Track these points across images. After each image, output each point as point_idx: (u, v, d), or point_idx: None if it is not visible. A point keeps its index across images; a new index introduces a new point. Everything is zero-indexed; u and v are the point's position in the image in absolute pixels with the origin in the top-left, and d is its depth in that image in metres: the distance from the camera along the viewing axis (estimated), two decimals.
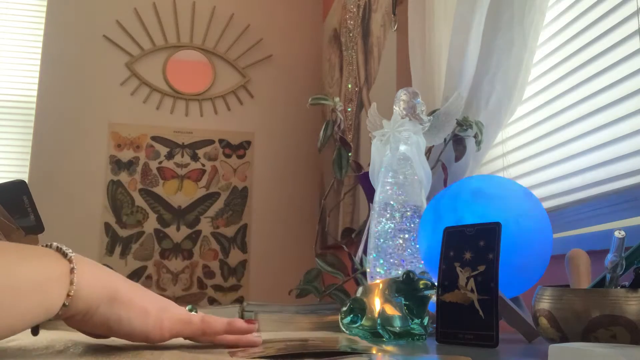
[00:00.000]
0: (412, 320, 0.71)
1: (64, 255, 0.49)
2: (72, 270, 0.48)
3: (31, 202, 0.73)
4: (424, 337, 0.72)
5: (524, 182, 1.19)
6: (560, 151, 1.11)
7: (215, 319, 0.57)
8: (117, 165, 2.83)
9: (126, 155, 2.84)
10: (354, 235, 1.60)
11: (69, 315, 0.49)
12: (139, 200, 2.82)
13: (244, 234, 2.89)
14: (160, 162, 2.87)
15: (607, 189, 0.97)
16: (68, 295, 0.47)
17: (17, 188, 0.73)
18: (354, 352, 0.55)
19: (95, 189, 2.79)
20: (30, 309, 0.45)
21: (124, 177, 2.83)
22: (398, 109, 0.99)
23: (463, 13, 1.23)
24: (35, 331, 0.53)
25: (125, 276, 0.57)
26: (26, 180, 2.83)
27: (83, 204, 2.76)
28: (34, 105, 2.79)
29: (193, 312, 0.58)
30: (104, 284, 0.51)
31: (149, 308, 0.53)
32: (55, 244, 0.50)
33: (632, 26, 0.94)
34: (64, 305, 0.47)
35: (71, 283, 0.47)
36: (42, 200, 2.78)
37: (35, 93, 2.80)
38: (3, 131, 2.78)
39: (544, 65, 1.19)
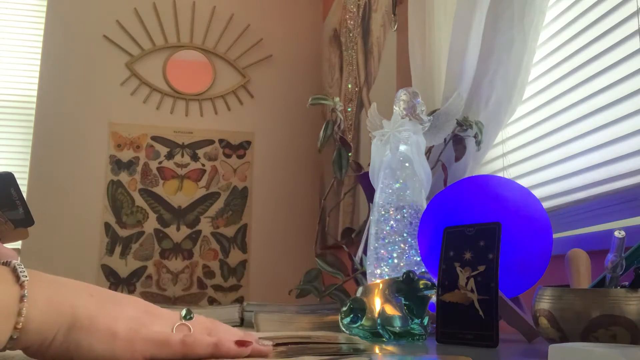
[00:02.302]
0: (412, 320, 0.71)
1: (17, 278, 0.43)
2: (22, 299, 0.42)
3: (19, 194, 0.70)
4: (424, 337, 0.72)
5: (524, 182, 1.18)
6: (560, 151, 1.11)
7: (201, 340, 0.48)
8: (117, 165, 2.83)
9: (126, 155, 2.84)
10: (354, 235, 1.60)
11: (21, 348, 0.44)
12: (139, 200, 2.82)
13: (244, 234, 2.89)
14: (160, 162, 2.87)
15: (607, 189, 0.97)
16: (15, 327, 0.42)
17: (4, 180, 0.69)
18: (354, 352, 0.55)
19: (95, 189, 2.79)
20: None
21: (124, 177, 2.83)
22: (398, 109, 0.99)
23: (463, 13, 1.23)
24: None
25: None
26: (26, 180, 2.82)
27: (83, 204, 2.76)
28: (34, 105, 2.79)
29: (187, 318, 0.50)
30: (60, 309, 0.44)
31: (118, 329, 0.46)
32: (14, 262, 0.45)
33: (632, 26, 0.94)
34: (11, 338, 0.42)
35: (19, 314, 0.42)
36: (42, 200, 2.79)
37: (35, 93, 2.80)
38: (3, 131, 2.78)
39: (544, 65, 1.19)
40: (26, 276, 0.44)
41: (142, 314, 0.49)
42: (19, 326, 0.42)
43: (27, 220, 0.71)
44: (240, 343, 0.49)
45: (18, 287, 0.43)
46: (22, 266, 0.44)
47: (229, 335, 0.51)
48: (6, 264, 0.45)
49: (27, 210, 0.71)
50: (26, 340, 0.43)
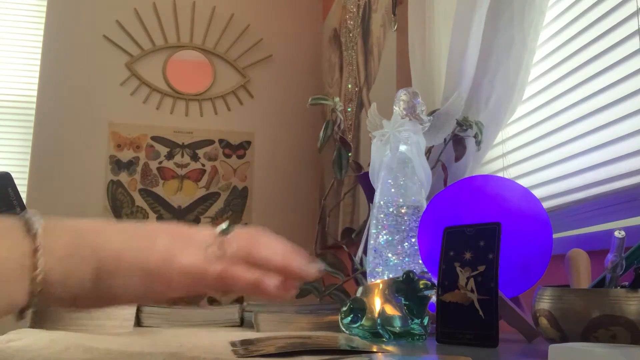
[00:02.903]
0: (412, 320, 0.71)
1: (28, 230, 0.39)
2: (35, 251, 0.39)
3: (17, 194, 0.69)
4: (424, 337, 0.72)
5: (524, 182, 1.18)
6: (560, 151, 1.11)
7: (239, 278, 0.45)
8: (117, 165, 2.83)
9: (126, 155, 2.84)
10: (354, 235, 1.60)
11: (50, 304, 0.41)
12: (139, 200, 2.82)
13: None
14: (160, 162, 2.87)
15: (607, 189, 0.97)
16: (34, 281, 0.38)
17: (2, 180, 0.69)
18: (354, 352, 0.55)
19: (95, 189, 2.79)
20: None
21: (124, 177, 2.82)
22: (398, 109, 0.99)
23: (463, 13, 1.23)
24: (20, 316, 0.41)
25: None
26: (26, 180, 2.81)
27: (83, 204, 2.76)
28: (34, 105, 2.79)
29: (226, 231, 0.47)
30: (82, 255, 0.41)
31: (149, 264, 0.42)
32: (28, 214, 0.41)
33: (632, 26, 0.94)
34: (33, 295, 0.39)
35: (35, 267, 0.38)
36: (42, 200, 2.78)
37: (35, 93, 2.80)
38: (3, 131, 2.77)
39: (544, 65, 1.19)
40: (40, 225, 0.40)
41: (172, 242, 0.45)
42: (38, 279, 0.38)
43: None
44: (284, 288, 0.46)
45: (30, 240, 0.39)
46: (38, 216, 0.41)
47: (271, 259, 0.48)
48: (21, 216, 0.41)
49: (24, 210, 0.70)
50: (52, 294, 0.40)
